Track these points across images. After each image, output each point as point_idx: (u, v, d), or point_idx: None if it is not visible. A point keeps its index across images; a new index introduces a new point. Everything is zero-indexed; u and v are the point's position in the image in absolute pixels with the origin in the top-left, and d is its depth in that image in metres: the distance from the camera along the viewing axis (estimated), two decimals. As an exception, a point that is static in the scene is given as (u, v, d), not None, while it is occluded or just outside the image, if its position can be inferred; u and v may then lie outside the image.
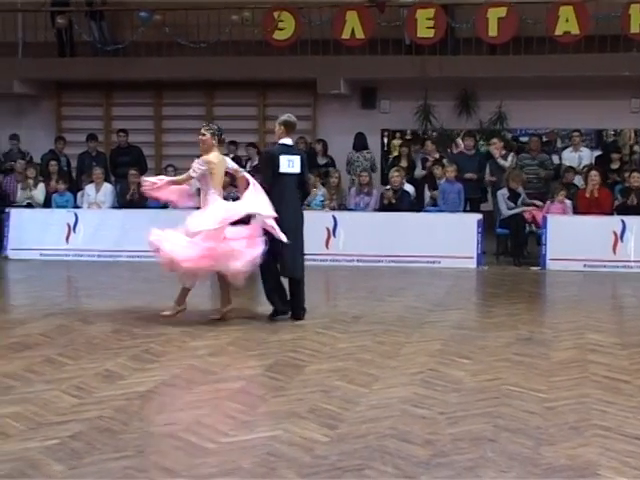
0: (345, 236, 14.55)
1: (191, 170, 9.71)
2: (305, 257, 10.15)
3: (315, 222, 14.35)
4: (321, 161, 16.57)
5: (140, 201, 15.45)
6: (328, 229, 14.55)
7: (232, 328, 9.51)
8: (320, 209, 15.04)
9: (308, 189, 11.29)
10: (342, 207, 15.44)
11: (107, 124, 18.78)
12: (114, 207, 15.58)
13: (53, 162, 16.39)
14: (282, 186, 9.73)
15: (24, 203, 15.79)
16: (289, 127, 9.90)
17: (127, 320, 9.91)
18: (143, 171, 16.63)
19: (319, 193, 15.23)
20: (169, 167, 16.20)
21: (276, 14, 16.92)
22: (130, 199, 15.49)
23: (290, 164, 9.75)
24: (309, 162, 15.62)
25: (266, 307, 10.33)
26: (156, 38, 17.22)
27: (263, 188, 9.73)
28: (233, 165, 10.25)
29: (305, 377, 7.51)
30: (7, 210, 15.31)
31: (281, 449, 5.69)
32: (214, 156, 9.70)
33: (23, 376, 7.51)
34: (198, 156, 9.84)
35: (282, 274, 9.91)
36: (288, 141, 9.93)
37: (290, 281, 9.99)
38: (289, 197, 9.82)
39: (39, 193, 15.87)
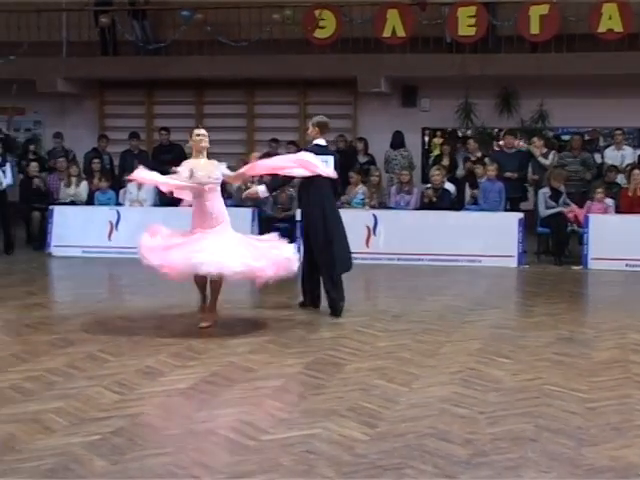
0: (385, 234, 14.52)
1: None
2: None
3: (355, 220, 14.38)
4: (362, 159, 16.56)
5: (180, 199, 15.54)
6: (368, 227, 14.54)
7: (272, 326, 9.54)
8: (361, 207, 15.04)
9: (340, 189, 11.52)
10: (382, 205, 15.43)
11: (149, 122, 18.90)
12: (155, 205, 15.66)
13: (96, 160, 16.51)
14: (319, 186, 9.85)
15: (67, 201, 15.93)
16: (323, 127, 10.12)
17: (168, 317, 9.98)
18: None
19: (360, 191, 15.23)
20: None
21: (317, 12, 16.95)
22: (170, 197, 15.55)
23: (326, 164, 9.83)
24: (349, 160, 15.87)
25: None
26: (197, 37, 17.31)
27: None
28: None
29: (345, 375, 7.52)
30: (50, 208, 15.46)
31: (320, 447, 5.71)
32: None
33: (66, 372, 7.59)
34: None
35: (339, 271, 10.06)
36: (322, 141, 10.12)
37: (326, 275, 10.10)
38: (324, 196, 9.96)
39: (82, 191, 16.01)
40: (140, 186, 15.60)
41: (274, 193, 12.68)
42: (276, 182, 10.26)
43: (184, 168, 9.38)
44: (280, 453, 5.61)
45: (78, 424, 6.19)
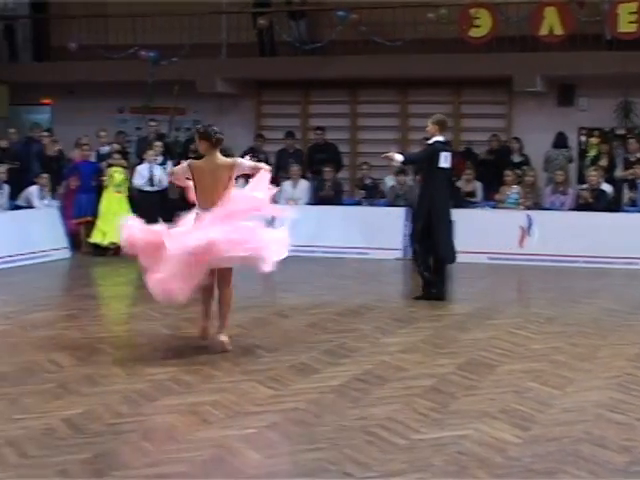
0: (540, 235, 14.31)
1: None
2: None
3: (509, 221, 14.29)
4: (516, 159, 16.35)
5: (335, 197, 15.74)
6: (522, 228, 14.36)
7: (424, 326, 9.55)
8: (515, 207, 14.87)
9: (454, 183, 12.41)
10: (537, 206, 15.21)
11: (304, 122, 19.12)
12: (310, 203, 15.86)
13: (253, 159, 16.81)
14: (437, 179, 10.82)
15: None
16: (442, 125, 10.97)
17: (321, 315, 10.11)
18: (339, 168, 16.89)
19: (514, 191, 15.06)
20: (364, 165, 16.40)
21: (473, 11, 16.81)
22: (325, 195, 15.76)
23: (445, 160, 10.77)
24: (502, 160, 15.74)
25: (459, 306, 10.36)
26: (353, 37, 17.41)
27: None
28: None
29: (497, 377, 7.48)
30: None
31: (472, 448, 5.70)
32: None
33: (222, 366, 7.80)
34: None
35: (444, 262, 10.99)
36: (441, 138, 10.89)
37: (437, 265, 10.98)
38: (442, 189, 10.88)
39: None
40: (295, 184, 15.83)
41: None
42: (411, 157, 11.83)
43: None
44: (431, 453, 5.63)
45: (233, 417, 6.36)
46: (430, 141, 10.99)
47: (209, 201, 8.11)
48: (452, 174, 11.17)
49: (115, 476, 5.27)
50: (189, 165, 8.26)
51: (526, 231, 14.36)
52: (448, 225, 11.05)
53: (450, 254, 11.02)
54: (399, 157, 10.89)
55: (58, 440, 5.88)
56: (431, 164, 10.80)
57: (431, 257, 10.98)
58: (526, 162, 16.32)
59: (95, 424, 6.20)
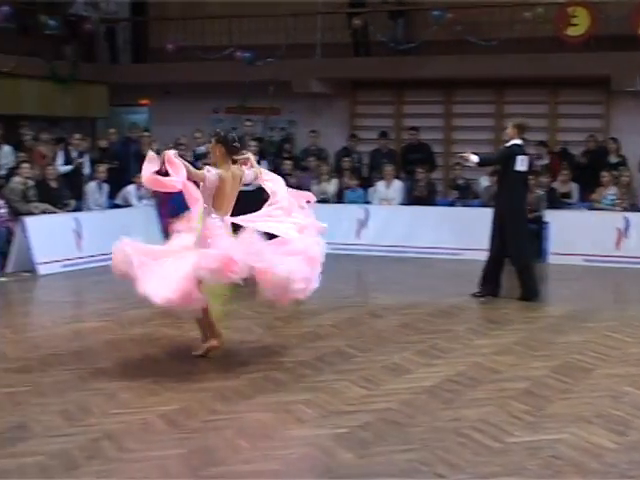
0: (637, 237, 14.05)
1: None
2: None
3: (606, 222, 14.08)
4: (613, 160, 16.08)
5: (428, 198, 15.69)
6: (619, 230, 14.12)
7: (517, 328, 9.47)
8: (611, 209, 14.63)
9: (530, 187, 12.60)
10: (634, 207, 14.93)
11: (398, 122, 19.09)
12: (403, 204, 15.84)
13: (346, 159, 16.88)
14: (513, 182, 10.89)
15: (318, 198, 16.32)
16: (521, 129, 11.06)
17: (413, 315, 10.09)
18: (432, 168, 16.83)
19: (610, 192, 14.82)
20: (457, 165, 16.31)
21: (570, 10, 16.58)
22: (418, 196, 15.73)
23: (522, 163, 10.85)
24: (599, 161, 15.48)
25: (553, 308, 10.26)
26: (447, 36, 17.32)
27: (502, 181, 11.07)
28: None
29: (593, 381, 7.38)
30: (302, 205, 15.90)
31: (567, 453, 5.64)
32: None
33: (315, 365, 7.85)
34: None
35: (512, 264, 11.12)
36: (519, 142, 11.00)
37: (516, 265, 11.09)
38: (518, 192, 10.99)
39: (332, 188, 16.39)
40: (389, 185, 15.82)
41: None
42: (487, 159, 11.93)
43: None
44: (525, 457, 5.59)
45: (326, 416, 6.40)
46: (508, 144, 11.08)
47: (226, 209, 7.95)
48: (528, 177, 11.27)
49: (211, 472, 5.35)
50: (219, 175, 7.82)
51: (623, 233, 14.12)
52: (523, 228, 11.11)
53: (522, 258, 11.02)
54: (474, 158, 10.98)
55: (155, 435, 6.01)
56: (507, 167, 10.89)
57: (505, 258, 11.10)
58: (623, 163, 16.04)
59: (191, 420, 6.31)
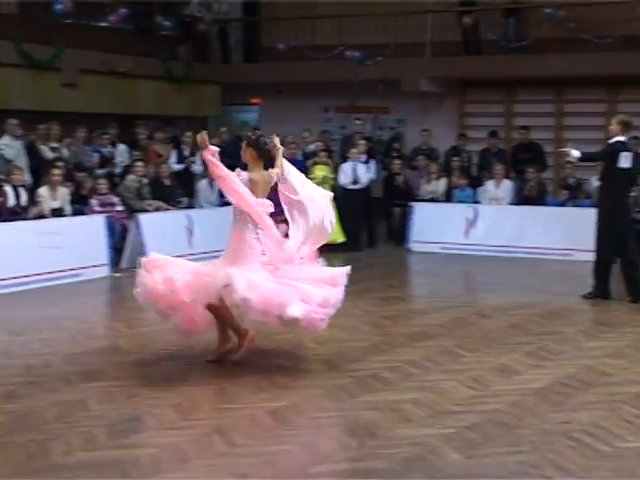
0: None
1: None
2: None
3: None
4: None
5: (539, 198, 15.49)
6: None
7: (629, 330, 9.30)
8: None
9: (637, 181, 12.51)
10: None
11: (508, 121, 18.92)
12: (512, 203, 15.68)
13: (455, 158, 16.79)
14: (615, 179, 10.76)
15: (427, 197, 16.30)
16: (626, 126, 10.86)
17: (522, 316, 9.99)
18: (543, 168, 16.62)
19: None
20: (568, 164, 16.04)
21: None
22: (528, 195, 15.55)
23: (626, 160, 10.69)
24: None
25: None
26: (559, 34, 17.08)
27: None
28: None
29: None
30: (411, 204, 15.90)
31: (680, 459, 5.53)
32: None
33: (422, 364, 7.84)
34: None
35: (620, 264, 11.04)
36: (623, 138, 10.83)
37: (621, 264, 11.00)
38: (621, 189, 10.86)
39: (441, 187, 16.32)
40: (498, 184, 15.67)
41: None
42: (589, 155, 11.47)
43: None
44: (637, 462, 5.51)
45: (434, 416, 6.40)
46: (611, 140, 10.93)
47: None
48: (633, 173, 11.04)
49: (317, 469, 5.41)
50: (250, 177, 7.67)
51: None
52: (628, 227, 10.95)
53: (628, 257, 10.85)
54: (576, 153, 10.90)
55: (263, 431, 6.09)
56: (610, 164, 10.77)
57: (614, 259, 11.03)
58: None
59: (298, 417, 6.39)
